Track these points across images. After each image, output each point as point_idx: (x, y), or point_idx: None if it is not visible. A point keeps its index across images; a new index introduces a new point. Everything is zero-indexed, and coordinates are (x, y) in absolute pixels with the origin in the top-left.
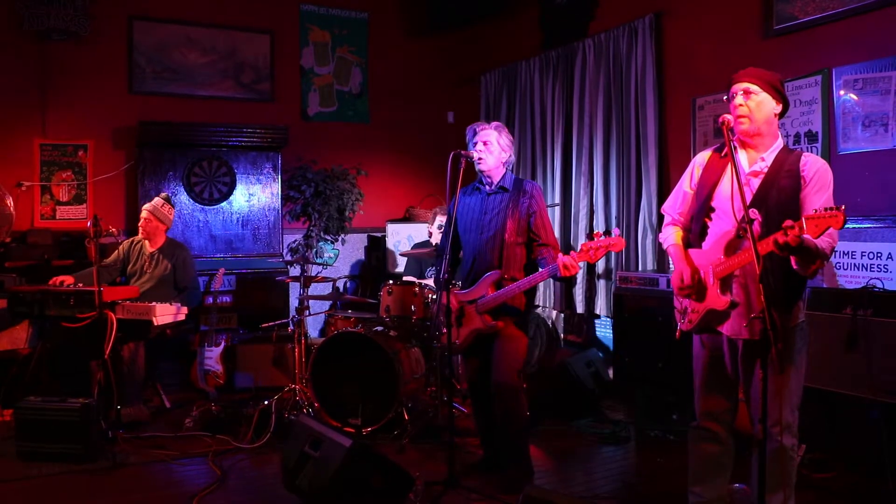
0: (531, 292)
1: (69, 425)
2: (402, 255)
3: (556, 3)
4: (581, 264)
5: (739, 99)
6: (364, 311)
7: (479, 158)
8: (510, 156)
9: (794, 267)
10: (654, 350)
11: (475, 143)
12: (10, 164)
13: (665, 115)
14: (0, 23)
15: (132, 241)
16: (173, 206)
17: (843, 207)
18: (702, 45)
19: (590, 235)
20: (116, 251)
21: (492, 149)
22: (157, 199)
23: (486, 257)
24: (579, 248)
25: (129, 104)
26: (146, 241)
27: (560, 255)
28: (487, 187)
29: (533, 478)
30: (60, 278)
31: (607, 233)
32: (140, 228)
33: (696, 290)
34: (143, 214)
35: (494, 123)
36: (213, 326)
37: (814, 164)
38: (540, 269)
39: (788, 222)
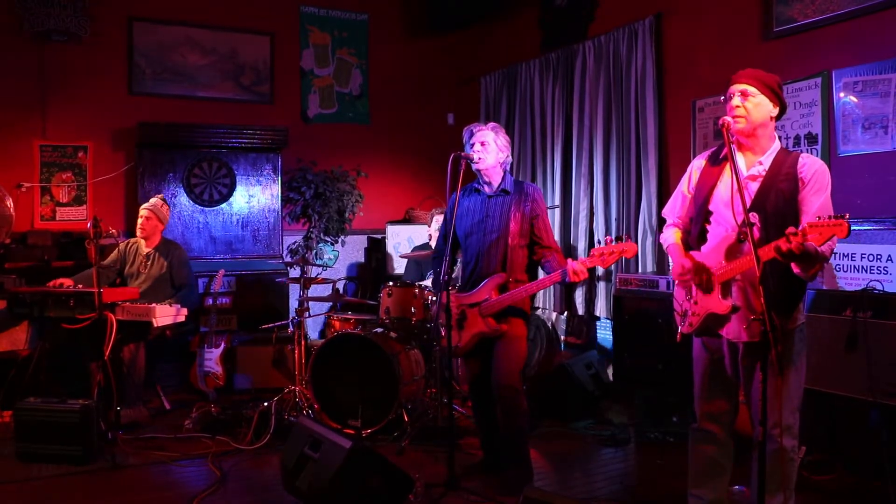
0: (531, 294)
1: (69, 426)
2: (401, 257)
3: (556, 4)
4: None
5: (737, 100)
6: (364, 313)
7: (478, 158)
8: (507, 156)
9: (795, 270)
10: (654, 352)
11: (472, 144)
12: (10, 165)
13: (665, 117)
14: (0, 24)
15: (127, 243)
16: (170, 207)
17: (847, 216)
18: (702, 47)
19: (590, 240)
20: (115, 251)
21: (489, 149)
22: (154, 199)
23: (489, 260)
24: (590, 252)
25: (129, 105)
26: (142, 242)
27: (570, 260)
28: (487, 188)
29: (533, 479)
30: (59, 281)
31: (619, 238)
32: (140, 228)
33: (701, 281)
34: (144, 213)
35: (491, 124)
36: (212, 328)
37: (812, 166)
38: (545, 273)
39: (791, 229)
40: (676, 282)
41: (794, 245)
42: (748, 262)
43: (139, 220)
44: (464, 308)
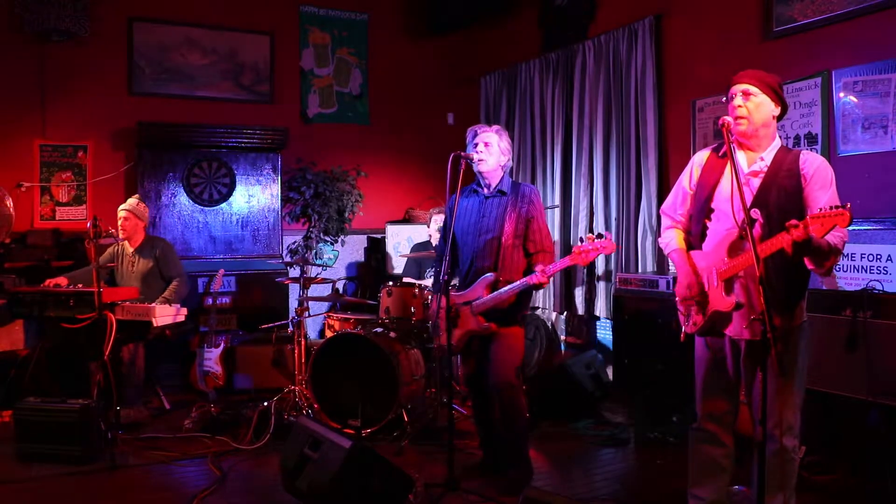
0: (527, 292)
1: (68, 426)
2: (401, 256)
3: (556, 4)
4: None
5: (738, 100)
6: (363, 313)
7: (480, 160)
8: (508, 160)
9: (810, 266)
10: (654, 352)
11: (475, 144)
12: (9, 164)
13: (665, 117)
14: (0, 24)
15: (114, 247)
16: (146, 205)
17: (849, 205)
18: (701, 47)
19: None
20: (107, 251)
21: (492, 150)
22: (131, 199)
23: (483, 260)
24: (571, 250)
25: (129, 105)
26: (126, 242)
27: (531, 275)
28: (485, 190)
29: (532, 480)
30: (54, 280)
31: (599, 236)
32: (120, 229)
33: (701, 300)
34: (122, 214)
35: (495, 126)
36: (212, 328)
37: (813, 162)
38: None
39: (793, 221)
40: (679, 301)
41: (795, 236)
42: (751, 258)
43: (119, 222)
44: (457, 306)
